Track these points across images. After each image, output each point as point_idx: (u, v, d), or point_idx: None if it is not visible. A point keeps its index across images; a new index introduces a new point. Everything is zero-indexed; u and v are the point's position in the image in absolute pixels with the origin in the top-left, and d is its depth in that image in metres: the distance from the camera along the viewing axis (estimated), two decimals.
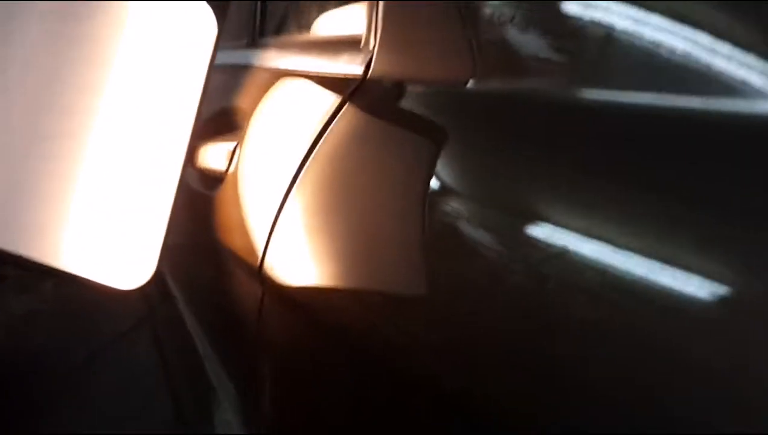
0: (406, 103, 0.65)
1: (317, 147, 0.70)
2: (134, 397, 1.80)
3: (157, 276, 1.73)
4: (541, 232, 0.40)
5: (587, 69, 0.47)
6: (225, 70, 1.10)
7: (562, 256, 0.37)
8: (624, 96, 0.43)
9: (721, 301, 0.30)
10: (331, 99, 0.72)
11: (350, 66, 0.72)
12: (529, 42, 0.52)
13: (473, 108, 0.56)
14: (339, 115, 0.69)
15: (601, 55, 0.45)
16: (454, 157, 0.53)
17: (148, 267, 0.89)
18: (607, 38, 0.44)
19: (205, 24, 0.90)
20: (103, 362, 2.07)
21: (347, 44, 0.77)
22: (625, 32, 0.43)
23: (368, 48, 0.70)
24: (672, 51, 0.40)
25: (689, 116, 0.39)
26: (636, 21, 0.42)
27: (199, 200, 1.03)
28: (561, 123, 0.46)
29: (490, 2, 0.56)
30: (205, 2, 0.89)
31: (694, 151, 0.36)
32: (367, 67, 0.69)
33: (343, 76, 0.73)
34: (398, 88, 0.66)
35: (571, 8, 0.48)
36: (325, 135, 0.69)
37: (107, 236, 0.86)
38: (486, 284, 0.43)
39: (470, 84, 0.56)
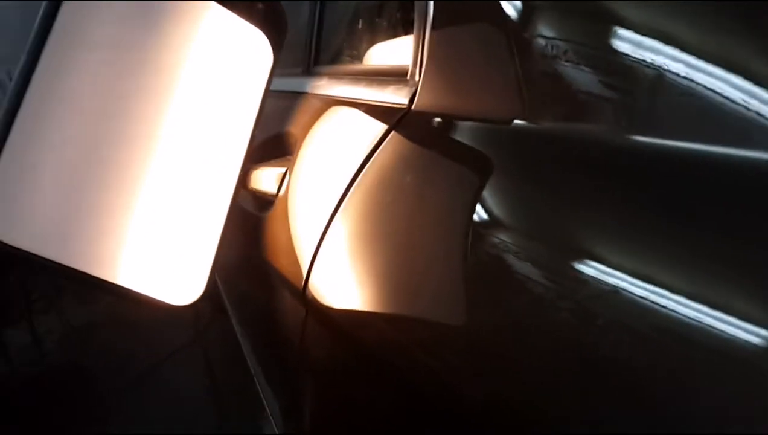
0: (450, 135, 0.65)
1: (362, 173, 0.71)
2: (184, 412, 1.84)
3: (212, 292, 1.77)
4: (591, 270, 0.40)
5: (638, 111, 0.46)
6: (281, 96, 1.13)
7: (611, 295, 0.37)
8: (675, 142, 0.43)
9: None
10: (378, 127, 0.74)
11: (396, 96, 0.73)
12: (581, 78, 0.51)
13: (520, 143, 0.56)
14: (384, 144, 0.70)
15: (652, 98, 0.45)
16: (500, 190, 0.53)
17: (199, 285, 0.92)
18: (657, 80, 0.44)
19: (262, 53, 0.94)
20: (157, 378, 2.13)
21: (395, 75, 0.79)
22: (677, 75, 0.42)
23: (414, 80, 0.72)
24: (724, 100, 0.40)
25: (744, 165, 0.38)
26: (688, 65, 0.42)
27: (251, 222, 1.06)
28: (613, 164, 0.45)
29: (543, 35, 0.56)
30: (261, 33, 0.92)
31: (748, 199, 0.36)
32: (412, 98, 0.70)
33: (389, 106, 0.74)
34: (443, 120, 0.67)
35: (624, 47, 0.47)
36: (369, 162, 0.71)
37: (161, 253, 0.89)
38: (532, 319, 0.43)
39: (518, 120, 0.56)
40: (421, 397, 0.55)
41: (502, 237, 0.50)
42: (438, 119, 0.67)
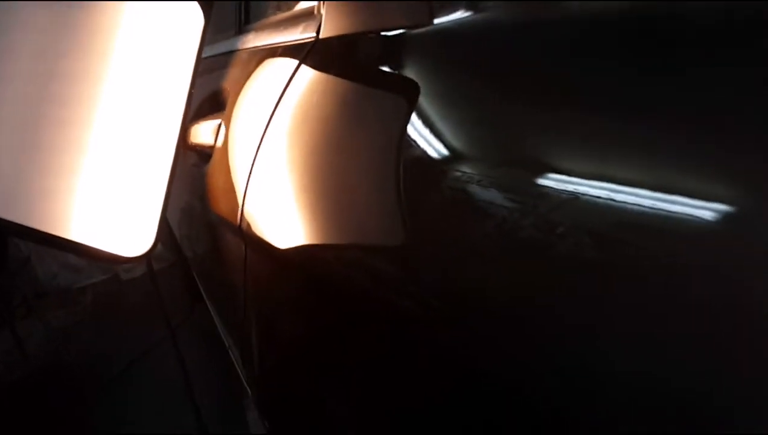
0: (354, 51, 0.68)
1: (278, 106, 0.76)
2: (166, 406, 1.88)
3: (189, 282, 1.80)
4: (549, 181, 0.38)
5: None
6: (215, 58, 1.18)
7: (570, 202, 0.36)
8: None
9: (731, 222, 0.29)
10: (290, 64, 0.79)
11: (305, 32, 0.79)
12: None
13: (430, 46, 0.55)
14: (294, 76, 0.75)
15: None
16: (419, 100, 0.52)
17: (148, 238, 0.97)
18: None
19: (193, 17, 0.99)
20: (138, 373, 2.17)
21: (305, 16, 0.84)
22: None
23: (320, 13, 0.77)
24: None
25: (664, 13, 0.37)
26: None
27: (196, 178, 1.11)
28: (534, 45, 0.44)
29: None
30: (194, 1, 0.98)
31: (680, 54, 0.35)
32: (318, 29, 0.75)
33: (300, 42, 0.80)
34: (348, 41, 0.70)
35: None
36: (283, 95, 0.76)
37: (110, 209, 0.94)
38: (485, 241, 0.41)
39: (418, 24, 0.57)
40: (359, 313, 0.56)
41: (435, 155, 0.48)
42: (343, 42, 0.72)
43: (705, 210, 0.30)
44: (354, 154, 0.59)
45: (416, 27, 0.58)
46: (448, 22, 0.54)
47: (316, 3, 0.80)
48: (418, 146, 0.49)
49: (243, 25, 1.22)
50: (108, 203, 0.94)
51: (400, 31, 0.60)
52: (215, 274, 1.16)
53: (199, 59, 0.97)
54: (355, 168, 0.58)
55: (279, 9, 1.14)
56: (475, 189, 0.43)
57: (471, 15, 0.53)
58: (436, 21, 0.55)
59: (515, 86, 0.44)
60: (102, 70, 0.91)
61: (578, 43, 0.41)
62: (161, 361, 2.19)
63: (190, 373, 1.96)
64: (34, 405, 2.07)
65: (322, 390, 0.68)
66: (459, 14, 0.54)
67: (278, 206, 0.72)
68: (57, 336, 2.59)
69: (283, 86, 0.77)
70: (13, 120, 0.85)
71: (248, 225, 0.81)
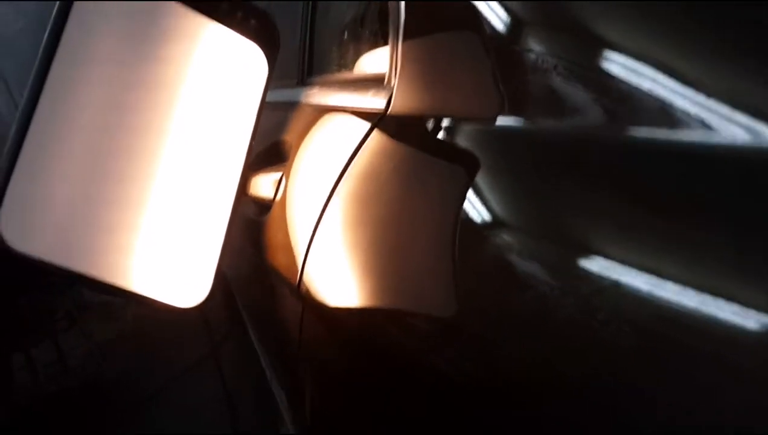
0: (422, 134, 0.69)
1: (345, 174, 0.76)
2: (201, 425, 1.88)
3: (228, 302, 1.82)
4: (589, 265, 0.40)
5: (615, 109, 0.47)
6: (278, 107, 1.18)
7: (610, 289, 0.37)
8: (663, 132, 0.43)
9: None
10: (359, 131, 0.79)
11: (375, 101, 0.79)
12: (558, 79, 0.52)
13: (494, 140, 0.58)
14: (364, 145, 0.76)
15: (624, 100, 0.46)
16: (479, 185, 0.54)
17: (204, 288, 0.97)
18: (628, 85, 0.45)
19: (258, 66, 0.99)
20: (175, 391, 2.18)
21: (375, 81, 0.84)
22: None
23: (390, 84, 0.76)
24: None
25: (726, 151, 0.38)
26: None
27: (252, 227, 1.11)
28: (604, 157, 0.46)
29: (532, 48, 0.57)
30: (257, 47, 0.98)
31: (738, 181, 0.36)
32: (389, 101, 0.75)
33: (370, 110, 0.80)
34: (416, 120, 0.71)
35: (601, 50, 0.49)
36: (351, 163, 0.76)
37: (166, 258, 0.94)
38: (526, 308, 0.43)
39: (490, 118, 0.59)
40: (414, 381, 0.57)
41: (489, 232, 0.51)
42: (411, 120, 0.72)
43: (752, 320, 0.31)
44: (413, 226, 0.62)
45: (482, 121, 0.61)
46: (512, 126, 0.58)
47: (386, 72, 0.79)
48: (470, 220, 0.53)
49: (306, 77, 1.22)
50: (165, 252, 0.94)
51: (466, 124, 0.63)
52: (265, 321, 1.16)
53: (262, 108, 0.97)
54: (414, 239, 0.61)
55: (344, 66, 1.14)
56: (516, 260, 0.46)
57: (533, 123, 0.55)
58: (500, 119, 0.58)
59: (571, 180, 0.47)
60: (166, 116, 0.92)
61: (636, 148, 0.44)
62: (198, 381, 2.20)
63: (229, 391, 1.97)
64: (72, 418, 2.09)
65: None
66: (523, 120, 0.57)
67: (342, 273, 0.72)
68: (98, 350, 2.63)
69: (351, 152, 0.77)
70: (75, 151, 0.86)
71: (308, 288, 0.80)
